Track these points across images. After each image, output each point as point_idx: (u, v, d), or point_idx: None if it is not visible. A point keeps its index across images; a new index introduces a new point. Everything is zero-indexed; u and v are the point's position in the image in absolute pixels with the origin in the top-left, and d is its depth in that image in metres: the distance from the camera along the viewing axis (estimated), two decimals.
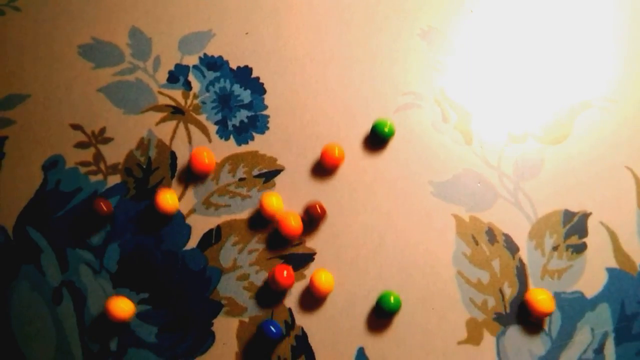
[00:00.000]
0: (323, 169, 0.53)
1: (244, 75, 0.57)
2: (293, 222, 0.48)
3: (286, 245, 0.50)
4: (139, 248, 0.51)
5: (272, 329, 0.45)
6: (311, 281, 0.47)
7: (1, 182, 0.53)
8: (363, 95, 0.55)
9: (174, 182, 0.53)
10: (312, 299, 0.49)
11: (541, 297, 0.46)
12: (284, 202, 0.52)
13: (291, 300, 0.49)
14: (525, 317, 0.48)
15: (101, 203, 0.48)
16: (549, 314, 0.46)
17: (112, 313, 0.45)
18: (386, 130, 0.51)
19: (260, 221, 0.51)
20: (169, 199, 0.49)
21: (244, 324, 0.48)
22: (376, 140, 0.52)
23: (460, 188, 0.52)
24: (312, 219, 0.49)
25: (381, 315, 0.48)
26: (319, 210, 0.49)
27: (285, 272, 0.46)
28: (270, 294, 0.49)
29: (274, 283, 0.46)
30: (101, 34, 0.58)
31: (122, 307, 0.45)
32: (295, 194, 0.52)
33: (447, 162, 0.53)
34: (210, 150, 0.52)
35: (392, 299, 0.46)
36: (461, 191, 0.52)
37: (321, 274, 0.47)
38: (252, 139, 0.54)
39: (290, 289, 0.49)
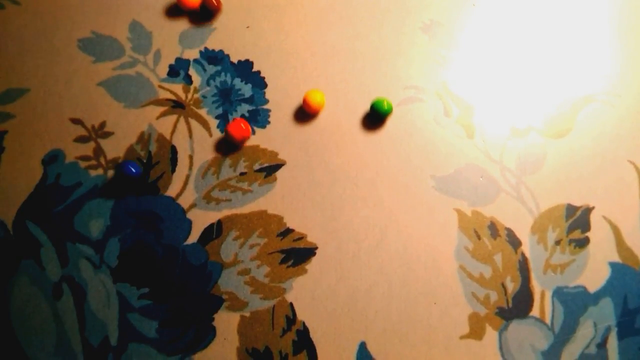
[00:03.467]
0: (325, 163, 0.53)
1: (245, 69, 0.56)
2: None
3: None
4: (139, 243, 0.50)
5: (132, 168, 0.49)
6: (304, 100, 0.50)
7: (1, 176, 0.52)
8: (365, 89, 0.55)
9: (175, 176, 0.52)
10: (314, 294, 0.49)
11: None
12: (284, 197, 0.51)
13: (293, 295, 0.49)
14: (527, 312, 0.48)
15: None
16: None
17: None
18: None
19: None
20: None
21: (245, 318, 0.48)
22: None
23: (462, 182, 0.52)
24: (207, 7, 0.53)
25: (375, 119, 0.51)
26: (215, 3, 0.53)
27: (242, 125, 0.50)
28: None
29: (232, 136, 0.50)
30: (101, 27, 0.58)
31: None
32: (296, 188, 0.52)
33: (449, 156, 0.53)
34: None
35: (385, 104, 0.50)
36: (463, 185, 0.52)
37: (316, 94, 0.51)
38: (253, 133, 0.54)
39: (245, 140, 0.51)
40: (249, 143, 0.53)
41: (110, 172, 0.53)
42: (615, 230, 0.50)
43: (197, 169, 0.53)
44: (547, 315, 0.47)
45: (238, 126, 0.49)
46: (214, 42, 0.57)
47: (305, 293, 0.49)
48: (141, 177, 0.49)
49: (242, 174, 0.53)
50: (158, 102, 0.55)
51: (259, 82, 0.56)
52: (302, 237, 0.50)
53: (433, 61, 0.56)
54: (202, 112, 0.55)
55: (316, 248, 0.50)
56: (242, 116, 0.54)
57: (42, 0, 0.59)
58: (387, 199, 0.51)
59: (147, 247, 0.50)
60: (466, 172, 0.52)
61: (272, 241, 0.50)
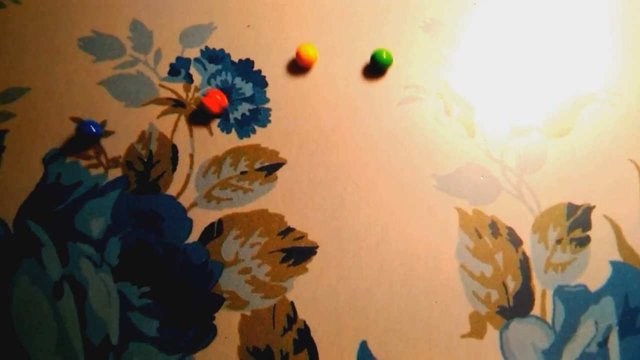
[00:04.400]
0: (325, 162, 0.52)
1: (246, 68, 0.56)
2: None
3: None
4: (140, 242, 0.50)
5: (92, 127, 0.49)
6: (297, 53, 0.50)
7: (1, 175, 0.52)
8: (365, 88, 0.55)
9: (175, 175, 0.52)
10: (315, 293, 0.48)
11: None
12: (285, 196, 0.51)
13: (293, 294, 0.49)
14: (528, 311, 0.47)
15: None
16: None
17: None
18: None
19: None
20: None
21: (246, 317, 0.48)
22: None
23: (463, 181, 0.52)
24: None
25: (375, 70, 0.50)
26: None
27: (218, 96, 0.50)
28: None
29: (208, 108, 0.49)
30: (102, 26, 0.58)
31: None
32: (297, 187, 0.52)
33: (450, 155, 0.53)
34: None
35: (384, 54, 0.50)
36: (464, 184, 0.52)
37: (308, 47, 0.50)
38: (254, 132, 0.54)
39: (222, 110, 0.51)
40: (249, 142, 0.53)
41: (112, 172, 0.53)
42: (616, 229, 0.50)
43: (197, 167, 0.53)
44: (548, 314, 0.47)
45: (214, 97, 0.49)
46: (215, 41, 0.57)
47: (306, 292, 0.49)
48: (100, 136, 0.50)
49: (242, 172, 0.52)
50: (159, 101, 0.55)
51: (259, 81, 0.56)
52: (302, 236, 0.50)
53: (434, 60, 0.56)
54: None
55: (317, 247, 0.50)
56: (243, 115, 0.54)
57: None
58: (387, 198, 0.51)
59: (147, 246, 0.50)
60: (467, 171, 0.52)
61: (273, 240, 0.50)
